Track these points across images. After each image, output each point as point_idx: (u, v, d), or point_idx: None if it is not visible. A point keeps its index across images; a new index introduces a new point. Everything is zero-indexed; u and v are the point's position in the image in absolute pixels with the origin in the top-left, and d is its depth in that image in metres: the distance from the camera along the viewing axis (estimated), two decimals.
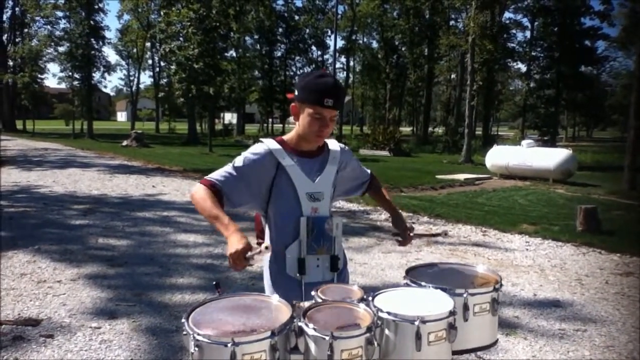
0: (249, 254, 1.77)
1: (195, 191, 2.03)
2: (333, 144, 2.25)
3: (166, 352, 3.74)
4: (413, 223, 8.69)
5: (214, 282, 1.85)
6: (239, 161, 2.09)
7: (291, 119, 2.19)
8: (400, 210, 2.46)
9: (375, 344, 1.53)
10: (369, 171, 2.48)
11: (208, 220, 1.97)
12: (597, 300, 5.19)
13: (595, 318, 4.69)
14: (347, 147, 2.33)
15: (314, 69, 45.66)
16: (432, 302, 1.73)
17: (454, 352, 1.72)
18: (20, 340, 3.82)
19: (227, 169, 2.08)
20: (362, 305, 1.68)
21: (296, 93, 2.08)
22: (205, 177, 2.08)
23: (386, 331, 1.61)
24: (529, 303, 5.01)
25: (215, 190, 2.02)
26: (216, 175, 2.07)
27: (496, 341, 1.92)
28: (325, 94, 1.99)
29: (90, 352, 3.69)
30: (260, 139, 2.18)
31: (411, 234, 2.34)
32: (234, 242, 1.79)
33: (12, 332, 3.96)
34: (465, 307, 1.78)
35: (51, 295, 4.79)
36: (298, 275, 2.07)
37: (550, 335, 4.25)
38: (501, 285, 1.91)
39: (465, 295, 1.79)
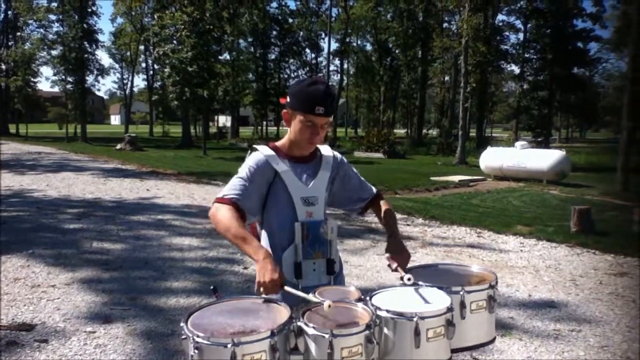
0: (289, 289, 1.79)
1: (217, 210, 2.00)
2: (326, 150, 2.26)
3: (161, 355, 3.72)
4: (407, 225, 8.74)
5: (212, 287, 1.85)
6: (245, 173, 2.07)
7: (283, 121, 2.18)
8: (400, 237, 2.16)
9: (375, 342, 1.54)
10: (374, 190, 2.38)
11: (231, 241, 1.94)
12: (592, 300, 5.21)
13: (590, 318, 4.71)
14: (342, 156, 2.31)
15: (308, 72, 45.79)
16: (430, 299, 1.74)
17: (452, 350, 1.72)
18: (14, 346, 3.80)
19: (239, 182, 2.06)
20: (360, 304, 1.69)
21: (288, 100, 2.08)
22: (221, 196, 2.04)
23: (385, 329, 1.62)
24: (523, 304, 5.03)
25: (238, 208, 2.00)
26: (232, 191, 2.04)
27: (494, 339, 1.93)
28: (317, 102, 2.00)
29: (85, 356, 3.67)
30: (254, 146, 2.17)
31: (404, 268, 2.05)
32: (268, 270, 1.80)
33: (6, 337, 3.94)
34: (462, 305, 1.79)
35: (45, 300, 4.76)
36: (295, 279, 2.07)
37: (545, 336, 4.26)
38: (497, 282, 1.92)
39: (461, 292, 1.80)
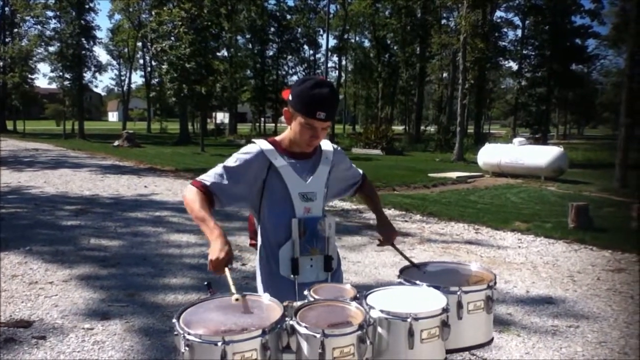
0: (227, 272, 1.82)
1: (187, 192, 2.06)
2: (326, 144, 2.25)
3: (159, 352, 3.72)
4: (405, 221, 8.74)
5: (206, 283, 1.85)
6: (230, 161, 2.09)
7: (283, 118, 2.18)
8: (386, 214, 2.43)
9: (368, 342, 1.52)
10: (361, 172, 2.45)
11: (195, 221, 2.00)
12: (589, 296, 5.22)
13: (588, 314, 4.72)
14: (339, 148, 2.32)
15: (306, 68, 45.69)
16: (425, 299, 1.72)
17: (449, 351, 1.71)
18: (12, 342, 3.79)
19: (218, 169, 2.09)
20: (354, 304, 1.67)
21: (290, 98, 2.06)
22: (196, 179, 2.09)
23: (379, 329, 1.61)
24: (521, 300, 5.04)
25: (206, 190, 2.04)
26: (207, 176, 2.08)
27: (491, 340, 1.91)
28: (319, 107, 1.98)
29: (83, 353, 3.67)
30: (253, 140, 2.17)
31: (393, 242, 2.35)
32: (216, 249, 1.84)
33: (4, 334, 3.93)
34: (459, 305, 1.77)
35: (43, 297, 4.76)
36: (292, 275, 2.07)
37: (543, 332, 4.27)
38: (495, 283, 1.90)
39: (459, 293, 1.78)
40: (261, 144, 2.11)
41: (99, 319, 4.27)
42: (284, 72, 46.20)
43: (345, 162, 2.32)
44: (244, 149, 2.12)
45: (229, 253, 1.84)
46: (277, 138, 2.18)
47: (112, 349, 3.74)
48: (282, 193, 2.08)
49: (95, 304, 4.63)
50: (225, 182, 2.06)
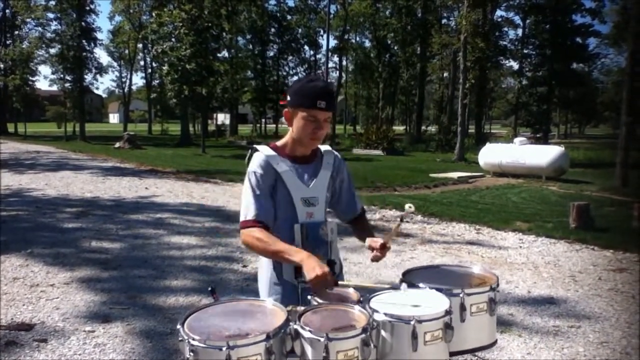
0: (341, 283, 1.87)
1: (247, 235, 2.01)
2: (327, 150, 2.26)
3: (160, 354, 3.72)
4: (406, 222, 8.72)
5: (210, 288, 1.84)
6: (253, 183, 2.06)
7: (284, 119, 2.18)
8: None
9: (372, 345, 1.53)
10: (361, 205, 2.39)
11: (272, 258, 2.01)
12: (591, 296, 5.21)
13: (589, 314, 4.71)
14: (340, 158, 2.30)
15: (307, 69, 45.74)
16: (428, 302, 1.72)
17: (452, 353, 1.71)
18: (13, 345, 3.79)
19: (251, 199, 2.05)
20: (357, 307, 1.68)
21: (288, 99, 2.08)
22: (244, 219, 2.04)
23: (382, 332, 1.61)
24: (523, 300, 5.03)
25: (262, 225, 2.01)
26: (248, 211, 2.04)
27: (495, 341, 1.91)
28: (318, 96, 2.00)
29: (84, 356, 3.67)
30: (255, 147, 2.16)
31: (387, 245, 2.26)
32: (315, 265, 1.81)
33: (5, 337, 3.93)
34: (462, 308, 1.77)
35: (44, 299, 4.76)
36: (295, 280, 2.06)
37: (544, 332, 4.26)
38: (498, 285, 1.90)
39: (461, 295, 1.78)
40: (264, 151, 2.12)
41: (100, 322, 4.27)
42: (284, 73, 46.23)
43: (347, 176, 2.30)
44: (255, 163, 2.09)
45: (328, 270, 1.84)
46: (278, 143, 2.17)
47: (113, 352, 3.74)
48: (285, 198, 2.08)
49: (97, 307, 4.63)
50: (267, 205, 2.04)
